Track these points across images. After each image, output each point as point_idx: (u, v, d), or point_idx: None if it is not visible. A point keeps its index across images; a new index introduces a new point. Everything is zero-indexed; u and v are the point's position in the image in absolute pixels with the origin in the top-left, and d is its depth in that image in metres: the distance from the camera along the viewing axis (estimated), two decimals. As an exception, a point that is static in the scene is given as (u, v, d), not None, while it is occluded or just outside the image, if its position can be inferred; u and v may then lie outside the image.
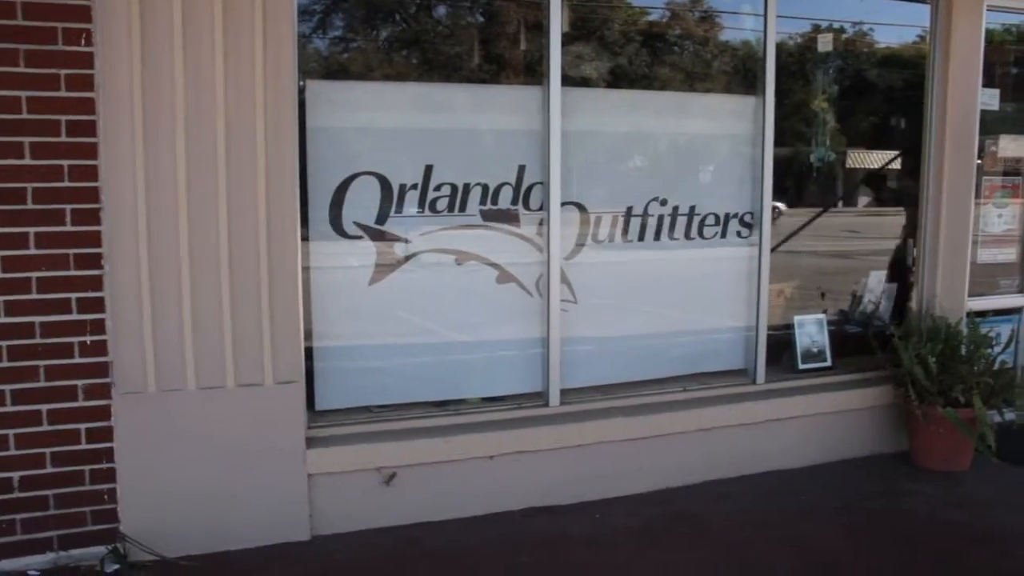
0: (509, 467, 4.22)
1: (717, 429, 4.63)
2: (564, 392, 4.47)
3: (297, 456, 3.85)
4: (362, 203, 4.11)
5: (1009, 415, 4.93)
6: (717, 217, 4.85)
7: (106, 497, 3.63)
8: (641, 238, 4.70)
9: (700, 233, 4.84)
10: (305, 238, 3.94)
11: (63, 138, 3.45)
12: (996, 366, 5.00)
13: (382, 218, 4.16)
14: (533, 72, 4.48)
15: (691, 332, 4.97)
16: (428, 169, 4.20)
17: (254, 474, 3.77)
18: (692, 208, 4.78)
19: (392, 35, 4.67)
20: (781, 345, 5.13)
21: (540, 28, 4.32)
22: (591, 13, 5.01)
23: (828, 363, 5.20)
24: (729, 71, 5.26)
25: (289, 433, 3.84)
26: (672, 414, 4.58)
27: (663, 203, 4.73)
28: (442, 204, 4.24)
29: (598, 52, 4.90)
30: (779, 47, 4.86)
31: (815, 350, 5.19)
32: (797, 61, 5.53)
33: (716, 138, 4.99)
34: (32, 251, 3.44)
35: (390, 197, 4.15)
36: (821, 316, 5.28)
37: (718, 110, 5.02)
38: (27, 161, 3.42)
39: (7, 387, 3.46)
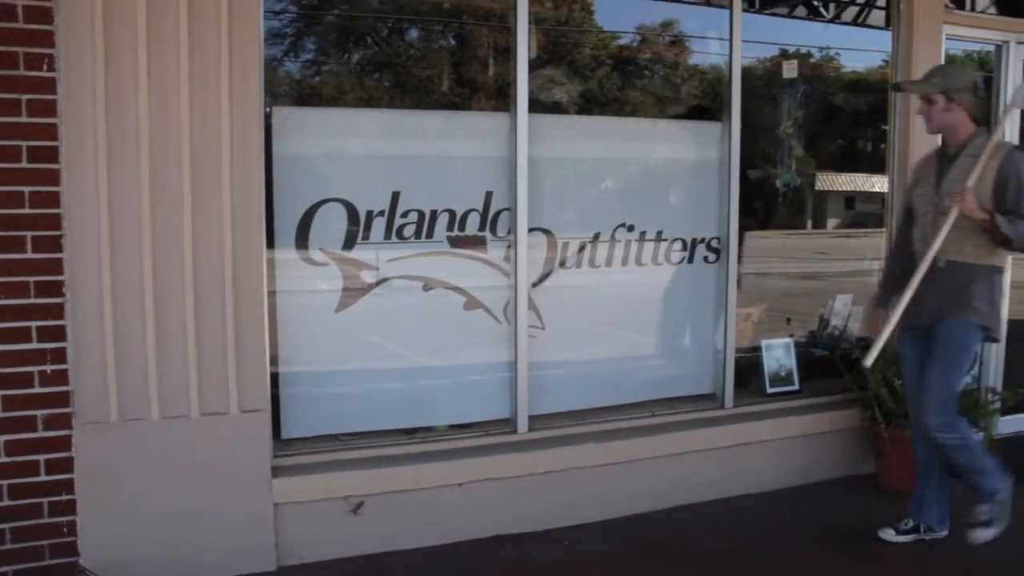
0: (478, 494, 4.19)
1: (686, 454, 4.62)
2: (533, 418, 4.46)
3: (263, 485, 3.80)
4: (329, 229, 4.09)
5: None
6: (684, 242, 4.87)
7: (65, 530, 3.56)
8: (608, 263, 4.71)
9: (667, 258, 4.86)
10: (272, 264, 3.91)
11: (24, 164, 3.39)
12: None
13: (349, 244, 4.14)
14: (501, 98, 4.49)
15: (659, 357, 4.99)
16: (395, 195, 4.19)
17: (218, 504, 3.72)
18: (659, 233, 4.80)
19: (360, 60, 4.68)
20: (749, 369, 5.15)
21: (508, 53, 4.33)
22: (561, 38, 5.04)
23: (796, 387, 5.22)
24: (697, 95, 5.31)
25: (254, 462, 3.79)
26: (641, 439, 4.57)
27: (630, 228, 4.75)
28: (409, 230, 4.23)
29: (567, 77, 4.92)
30: (745, 72, 4.89)
31: (783, 374, 5.21)
32: (764, 85, 5.58)
33: (683, 163, 5.02)
34: (-8, 278, 3.40)
35: (357, 223, 4.14)
36: (788, 340, 5.30)
37: (685, 135, 5.06)
38: (-13, 188, 3.38)
39: (-36, 418, 3.40)
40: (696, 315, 4.99)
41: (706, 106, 5.20)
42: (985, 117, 3.86)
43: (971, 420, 4.87)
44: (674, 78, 5.37)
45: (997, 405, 5.22)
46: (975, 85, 4.02)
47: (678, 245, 4.86)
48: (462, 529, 4.18)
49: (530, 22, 4.33)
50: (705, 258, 4.94)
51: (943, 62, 5.27)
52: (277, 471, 3.87)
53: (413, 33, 4.76)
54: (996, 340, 4.18)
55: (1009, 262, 4.20)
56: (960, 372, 3.99)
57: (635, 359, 4.91)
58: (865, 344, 5.23)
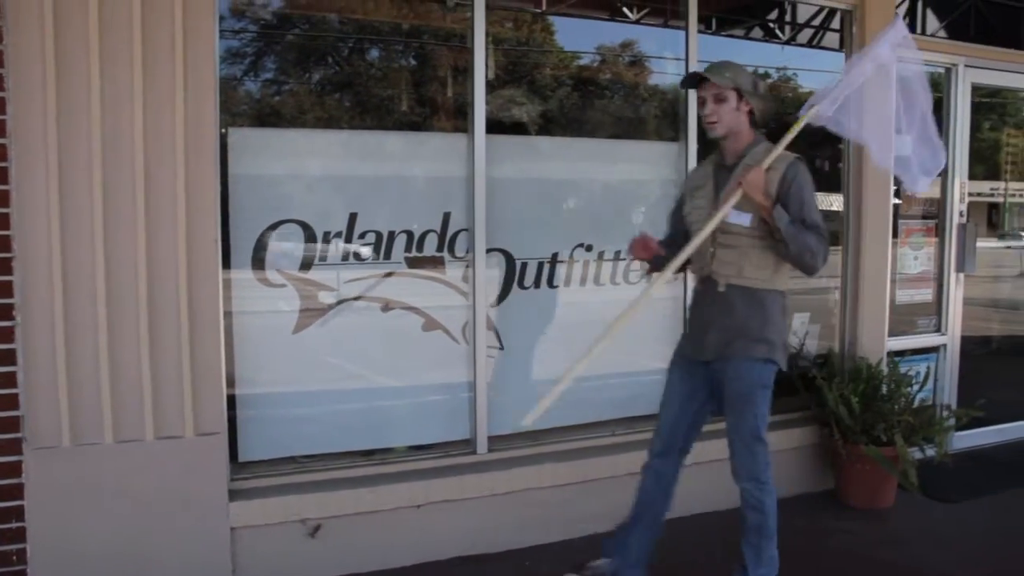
0: (437, 516, 4.17)
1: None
2: (492, 439, 4.45)
3: (219, 509, 3.75)
4: (286, 250, 4.06)
5: (930, 451, 5.03)
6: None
7: (15, 558, 3.48)
8: (567, 283, 4.72)
9: (626, 278, 4.88)
10: (228, 285, 3.88)
11: (-27, 185, 3.36)
12: (916, 404, 5.11)
13: (306, 265, 4.12)
14: (460, 118, 4.49)
15: (619, 376, 4.98)
16: (352, 217, 4.18)
17: (175, 529, 3.67)
18: (618, 253, 4.82)
19: (319, 79, 4.65)
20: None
21: (466, 73, 4.35)
22: (520, 58, 5.06)
23: (755, 405, 5.24)
24: (656, 115, 5.34)
25: (211, 486, 3.74)
26: (601, 459, 4.57)
27: (589, 248, 4.77)
28: (366, 252, 4.22)
29: (526, 97, 4.94)
30: (702, 92, 4.93)
31: (741, 392, 5.23)
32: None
33: (642, 183, 5.07)
34: (-61, 301, 3.34)
35: (314, 244, 4.12)
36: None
37: (644, 155, 5.09)
38: (-66, 209, 3.33)
39: (-91, 444, 3.33)
40: (656, 333, 5.00)
41: (664, 126, 5.24)
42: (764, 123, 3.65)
43: (926, 436, 4.95)
44: (633, 98, 5.40)
45: (952, 422, 5.29)
46: (756, 86, 3.58)
47: (637, 265, 4.87)
48: (422, 551, 4.15)
49: (488, 42, 4.35)
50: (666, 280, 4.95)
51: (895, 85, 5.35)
52: (234, 494, 3.82)
53: (372, 53, 4.75)
54: (783, 370, 3.68)
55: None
56: (762, 413, 3.54)
57: (595, 378, 4.88)
58: (822, 361, 5.33)
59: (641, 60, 5.41)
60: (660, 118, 5.32)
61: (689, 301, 3.70)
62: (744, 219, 3.42)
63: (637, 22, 5.30)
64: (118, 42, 3.49)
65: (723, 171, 3.60)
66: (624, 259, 4.82)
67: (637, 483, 3.76)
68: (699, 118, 4.73)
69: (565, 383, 3.36)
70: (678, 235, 3.73)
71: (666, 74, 5.33)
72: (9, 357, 3.43)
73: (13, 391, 3.44)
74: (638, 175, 5.05)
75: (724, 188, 3.51)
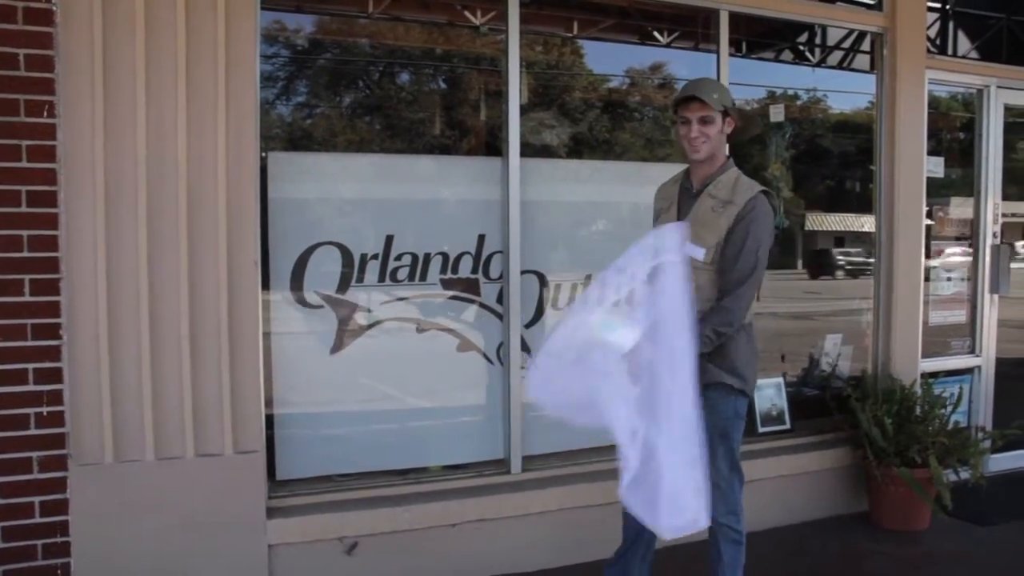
0: (472, 535, 4.20)
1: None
2: (526, 459, 4.48)
3: (257, 527, 3.81)
4: (323, 272, 4.14)
5: (964, 474, 5.00)
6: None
7: (59, 572, 3.55)
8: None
9: (659, 298, 4.89)
10: (267, 306, 3.96)
11: (24, 208, 3.45)
12: (950, 426, 5.08)
13: (343, 287, 4.19)
14: (493, 141, 4.56)
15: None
16: (389, 239, 4.25)
17: (213, 545, 3.72)
18: (651, 274, 4.84)
19: (353, 103, 4.74)
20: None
21: (500, 97, 4.42)
22: (551, 82, 5.12)
23: (787, 426, 5.25)
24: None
25: (249, 503, 3.80)
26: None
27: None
28: (403, 273, 4.29)
29: (557, 120, 5.00)
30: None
31: (774, 413, 5.24)
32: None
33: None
34: (-10, 321, 3.43)
35: (351, 266, 4.19)
36: (779, 379, 5.34)
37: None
38: (-13, 232, 3.43)
39: (-40, 460, 3.42)
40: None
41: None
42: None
43: (961, 459, 4.92)
44: (663, 121, 5.45)
45: (987, 444, 5.26)
46: (734, 105, 3.40)
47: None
48: (456, 570, 4.18)
49: (522, 66, 4.41)
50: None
51: (925, 107, 5.35)
52: (272, 512, 3.88)
53: (407, 77, 4.85)
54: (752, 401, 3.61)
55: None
56: (738, 444, 3.43)
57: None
58: (855, 383, 5.31)
59: (672, 83, 5.47)
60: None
61: None
62: (698, 252, 3.20)
63: (668, 46, 5.36)
64: (163, 69, 3.59)
65: (687, 196, 3.39)
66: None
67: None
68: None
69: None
70: None
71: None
72: (56, 375, 3.52)
73: (59, 408, 3.52)
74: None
75: (687, 215, 3.32)
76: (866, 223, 5.67)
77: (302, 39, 4.45)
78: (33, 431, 3.49)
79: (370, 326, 4.26)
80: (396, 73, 4.80)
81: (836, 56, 5.94)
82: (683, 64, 5.41)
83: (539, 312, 4.60)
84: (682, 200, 3.41)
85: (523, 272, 4.46)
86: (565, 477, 4.52)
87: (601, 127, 5.27)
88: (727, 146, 3.47)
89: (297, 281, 4.09)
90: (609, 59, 5.43)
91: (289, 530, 3.87)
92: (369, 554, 4.02)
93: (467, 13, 4.61)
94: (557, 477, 4.51)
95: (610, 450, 4.62)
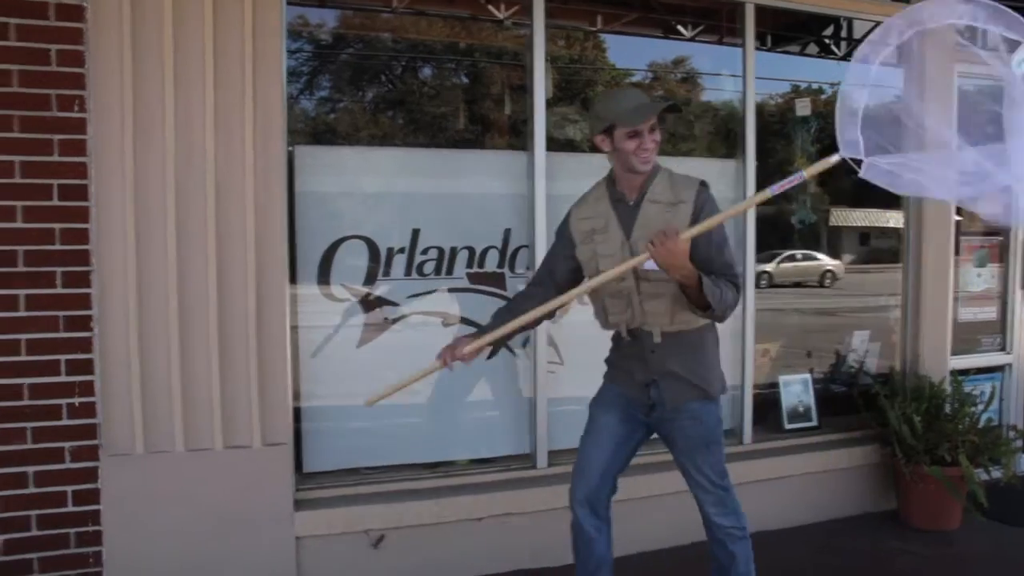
0: (497, 529, 4.21)
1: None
2: (552, 454, 4.48)
3: (285, 519, 3.83)
4: (350, 266, 4.17)
5: (996, 473, 4.94)
6: (702, 278, 4.89)
7: (91, 560, 3.60)
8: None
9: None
10: (294, 300, 3.98)
11: (55, 202, 3.50)
12: (981, 424, 5.02)
13: (370, 281, 4.21)
14: (519, 135, 4.56)
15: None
16: (415, 233, 4.27)
17: (242, 536, 3.75)
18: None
19: (377, 97, 4.76)
20: (767, 405, 5.16)
21: (525, 91, 4.43)
22: (574, 76, 5.12)
23: (814, 423, 5.22)
24: (711, 132, 5.37)
25: (277, 495, 3.83)
26: (660, 475, 4.55)
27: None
28: (429, 267, 4.30)
29: (580, 115, 4.99)
30: (759, 108, 4.96)
31: (801, 410, 5.21)
32: (778, 122, 5.64)
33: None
34: (22, 313, 3.47)
35: (377, 260, 4.21)
36: (807, 375, 5.31)
37: (701, 172, 5.07)
38: (19, 224, 3.47)
39: (-5, 449, 3.47)
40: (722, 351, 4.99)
41: (718, 143, 5.26)
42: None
43: (992, 457, 4.87)
44: (687, 115, 5.44)
45: (1019, 443, 5.19)
46: None
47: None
48: (482, 564, 4.18)
49: (546, 60, 4.41)
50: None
51: (955, 98, 5.30)
52: (299, 504, 3.90)
53: (432, 72, 4.86)
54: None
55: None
56: (722, 451, 3.30)
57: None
58: (883, 380, 5.25)
59: (696, 77, 5.45)
60: (715, 135, 5.34)
61: (611, 353, 3.37)
62: (652, 265, 2.94)
63: (692, 39, 5.34)
64: (191, 64, 3.63)
65: (624, 209, 3.13)
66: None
67: (572, 539, 3.52)
68: (758, 133, 4.81)
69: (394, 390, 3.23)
70: (560, 281, 3.28)
71: (722, 91, 5.36)
72: (87, 367, 3.56)
73: (91, 399, 3.57)
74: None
75: (634, 229, 3.08)
76: (892, 218, 5.63)
77: (326, 33, 4.47)
78: (65, 421, 3.55)
79: (396, 320, 4.28)
80: (420, 67, 4.81)
81: (863, 51, 5.88)
82: (708, 58, 5.38)
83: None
84: (621, 215, 3.12)
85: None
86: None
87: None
88: None
89: (324, 275, 4.12)
90: (633, 53, 5.42)
91: (316, 522, 3.89)
92: (395, 547, 4.03)
93: (491, 7, 4.62)
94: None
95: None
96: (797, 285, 7.49)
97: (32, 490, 3.52)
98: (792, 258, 7.10)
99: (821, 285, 7.28)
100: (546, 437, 4.46)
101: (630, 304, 3.14)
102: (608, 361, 3.39)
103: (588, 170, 4.76)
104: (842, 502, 5.03)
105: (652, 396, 3.23)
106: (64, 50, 3.52)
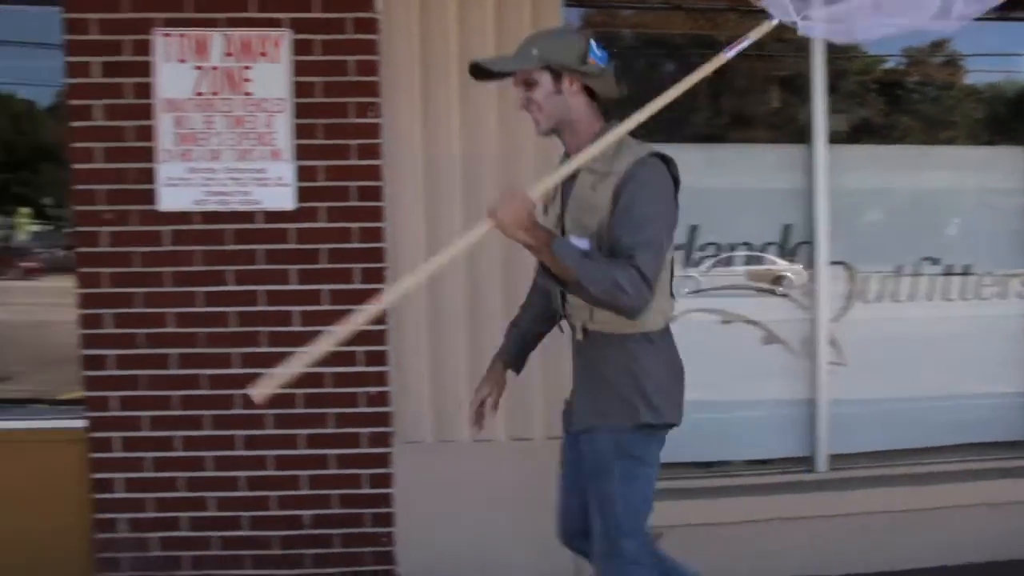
0: (773, 533, 4.08)
1: (1004, 505, 4.27)
2: (833, 458, 4.30)
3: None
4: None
5: None
6: (995, 277, 4.56)
7: (384, 540, 3.83)
8: (913, 298, 4.49)
9: (976, 293, 4.56)
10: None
11: (353, 203, 3.75)
12: None
13: (649, 277, 4.20)
14: (795, 129, 4.42)
15: (964, 398, 4.64)
16: (693, 229, 4.23)
17: (523, 526, 3.82)
18: (967, 267, 4.52)
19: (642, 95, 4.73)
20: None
21: (801, 85, 4.30)
22: (848, 66, 4.89)
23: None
24: (1007, 117, 4.97)
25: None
26: (951, 486, 4.28)
27: (935, 262, 4.51)
28: (707, 264, 4.25)
29: (862, 107, 4.78)
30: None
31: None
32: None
33: (992, 193, 4.70)
34: (325, 307, 3.74)
35: (655, 257, 4.20)
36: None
37: (990, 163, 4.74)
38: (322, 224, 3.74)
39: (302, 431, 3.76)
40: (1009, 355, 4.63)
41: (1019, 129, 4.85)
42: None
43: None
44: (978, 100, 5.06)
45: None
46: (589, 52, 2.53)
47: (988, 280, 4.55)
48: (757, 569, 4.07)
49: (826, 51, 4.24)
50: (1020, 294, 4.59)
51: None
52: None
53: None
54: (674, 424, 2.73)
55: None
56: (630, 503, 2.65)
57: (939, 399, 4.59)
58: None
59: (959, 60, 5.05)
60: (1010, 120, 4.94)
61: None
62: (583, 244, 2.47)
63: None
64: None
65: (569, 179, 2.55)
66: (974, 274, 4.52)
67: None
68: None
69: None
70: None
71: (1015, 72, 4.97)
72: (382, 358, 3.79)
73: (385, 389, 3.79)
74: (990, 184, 4.69)
75: (569, 198, 2.59)
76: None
77: (606, 31, 4.50)
78: (362, 409, 3.79)
79: (674, 317, 4.22)
80: (699, 63, 4.74)
81: None
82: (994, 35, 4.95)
83: (848, 304, 4.42)
84: (565, 185, 2.59)
85: (830, 263, 4.29)
86: (873, 479, 4.29)
87: (911, 110, 4.97)
88: (589, 106, 2.60)
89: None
90: (909, 36, 5.08)
91: (592, 516, 3.92)
92: (670, 546, 3.98)
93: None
94: (865, 479, 4.29)
95: (920, 453, 4.39)
96: None
97: (334, 471, 3.78)
98: None
99: None
100: (826, 440, 4.29)
101: (554, 291, 2.69)
102: None
103: (870, 164, 4.59)
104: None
105: (574, 409, 2.76)
106: (360, 60, 3.76)
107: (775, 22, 2.45)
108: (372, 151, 3.77)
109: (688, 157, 4.34)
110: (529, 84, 2.53)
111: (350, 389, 3.76)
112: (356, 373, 3.76)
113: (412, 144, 3.77)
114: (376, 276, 3.75)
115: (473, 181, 3.78)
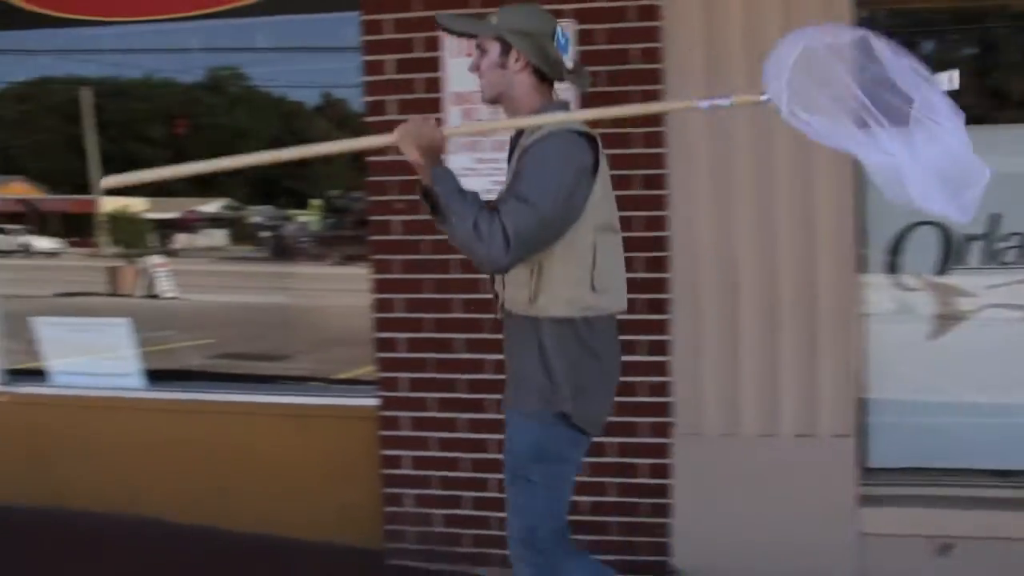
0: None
1: None
2: None
3: (847, 512, 3.74)
4: (921, 254, 3.93)
5: None
6: None
7: (660, 531, 3.81)
8: None
9: None
10: (860, 288, 3.87)
11: (637, 191, 3.74)
12: None
13: (942, 269, 3.96)
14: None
15: None
16: (994, 218, 3.93)
17: (802, 526, 3.71)
18: None
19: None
20: None
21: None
22: None
23: None
24: None
25: (840, 488, 3.74)
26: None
27: None
28: (1010, 256, 3.93)
29: None
30: None
31: None
32: None
33: None
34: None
35: (951, 248, 3.94)
36: None
37: None
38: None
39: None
40: None
41: None
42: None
43: None
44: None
45: None
46: (552, 37, 2.51)
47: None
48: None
49: None
50: None
51: None
52: (863, 500, 3.79)
53: (1008, 42, 4.43)
54: (588, 434, 2.59)
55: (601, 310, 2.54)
56: (538, 502, 2.56)
57: None
58: None
59: None
60: None
61: None
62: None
63: None
64: (762, 58, 3.65)
65: (513, 149, 2.62)
66: None
67: None
68: None
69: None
70: None
71: None
72: (663, 348, 3.77)
73: (665, 379, 3.78)
74: None
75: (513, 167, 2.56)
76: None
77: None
78: (642, 398, 3.78)
79: (972, 312, 3.97)
80: (997, 39, 4.40)
81: None
82: None
83: None
84: (512, 152, 2.64)
85: None
86: None
87: None
88: (536, 82, 2.56)
89: (892, 262, 3.95)
90: None
91: (881, 520, 3.76)
92: (964, 557, 3.75)
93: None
94: None
95: None
96: None
97: (612, 459, 3.81)
98: None
99: None
100: None
101: None
102: None
103: None
104: None
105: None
106: (643, 48, 3.75)
107: (764, 99, 2.33)
108: (656, 139, 3.75)
109: (990, 139, 4.09)
110: (482, 50, 2.57)
111: (631, 378, 3.73)
112: (637, 362, 3.74)
113: (696, 131, 3.71)
114: (659, 265, 3.75)
115: (759, 167, 3.69)
